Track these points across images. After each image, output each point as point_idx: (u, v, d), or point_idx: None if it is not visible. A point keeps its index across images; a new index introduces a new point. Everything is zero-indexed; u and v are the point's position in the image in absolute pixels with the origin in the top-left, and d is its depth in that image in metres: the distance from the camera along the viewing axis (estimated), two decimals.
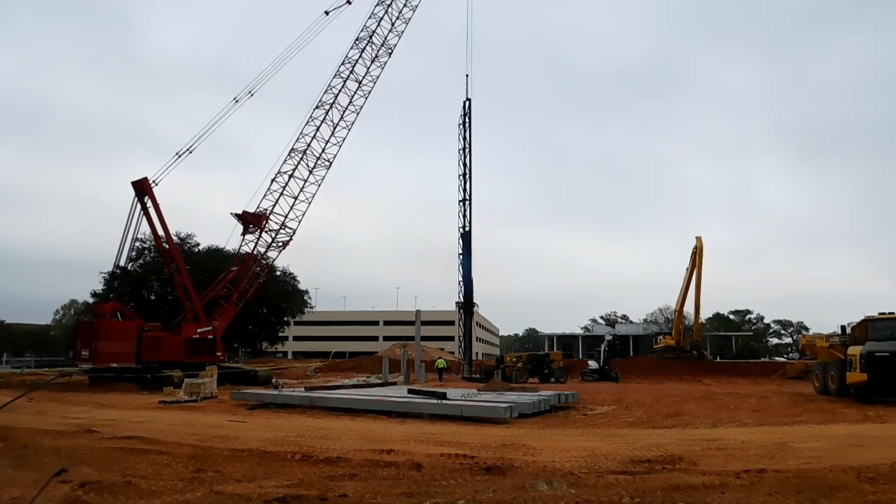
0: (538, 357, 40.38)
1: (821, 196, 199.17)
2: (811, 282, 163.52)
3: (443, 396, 18.02)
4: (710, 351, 74.56)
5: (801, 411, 18.65)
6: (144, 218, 31.97)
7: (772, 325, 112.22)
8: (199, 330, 31.94)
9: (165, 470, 8.69)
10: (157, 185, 32.04)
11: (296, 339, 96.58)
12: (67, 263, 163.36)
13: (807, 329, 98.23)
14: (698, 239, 55.02)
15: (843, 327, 24.60)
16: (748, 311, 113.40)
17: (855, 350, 21.71)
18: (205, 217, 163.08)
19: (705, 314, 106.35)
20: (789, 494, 7.27)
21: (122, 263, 33.24)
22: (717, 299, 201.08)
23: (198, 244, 50.79)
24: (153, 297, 48.06)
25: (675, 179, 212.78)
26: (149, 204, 31.83)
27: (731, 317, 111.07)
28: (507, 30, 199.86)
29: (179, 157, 33.09)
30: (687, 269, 55.81)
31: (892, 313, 22.54)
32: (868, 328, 22.37)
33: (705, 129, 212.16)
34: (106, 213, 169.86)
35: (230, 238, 51.15)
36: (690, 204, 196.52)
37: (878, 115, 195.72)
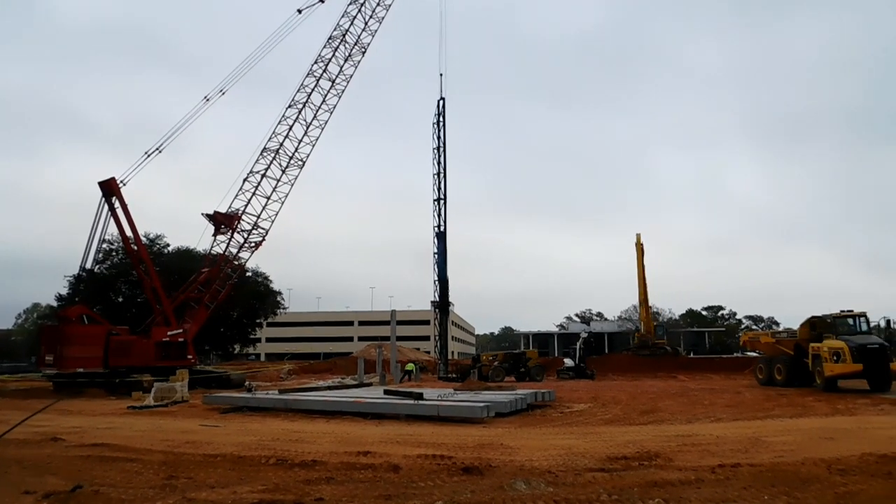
0: (514, 356, 40.43)
1: (791, 186, 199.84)
2: (782, 275, 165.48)
3: (419, 397, 17.94)
4: (684, 347, 75.76)
5: (773, 405, 18.99)
6: (112, 219, 31.33)
7: (744, 320, 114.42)
8: (169, 333, 31.33)
9: (135, 478, 8.46)
10: (124, 185, 31.41)
11: (269, 340, 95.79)
12: (30, 265, 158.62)
13: (777, 324, 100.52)
14: (637, 236, 56.85)
15: (813, 324, 26.32)
16: (721, 307, 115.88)
17: (838, 343, 23.46)
18: (159, 213, 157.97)
19: (678, 310, 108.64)
20: (763, 488, 7.36)
21: (88, 266, 32.48)
22: (690, 295, 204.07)
23: (167, 245, 49.89)
24: (121, 300, 47.04)
25: (645, 168, 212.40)
26: (117, 205, 31.15)
27: (704, 313, 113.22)
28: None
29: (148, 156, 32.47)
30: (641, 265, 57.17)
31: (852, 311, 25.04)
32: (835, 324, 24.80)
33: (673, 111, 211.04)
34: (48, 209, 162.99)
35: (201, 239, 50.24)
36: (663, 194, 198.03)
37: (852, 99, 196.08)
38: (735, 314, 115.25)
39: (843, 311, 25.33)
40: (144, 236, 41.28)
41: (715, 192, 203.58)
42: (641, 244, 56.67)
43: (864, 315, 24.92)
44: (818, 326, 25.62)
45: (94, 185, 31.20)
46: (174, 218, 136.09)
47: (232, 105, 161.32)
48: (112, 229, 32.46)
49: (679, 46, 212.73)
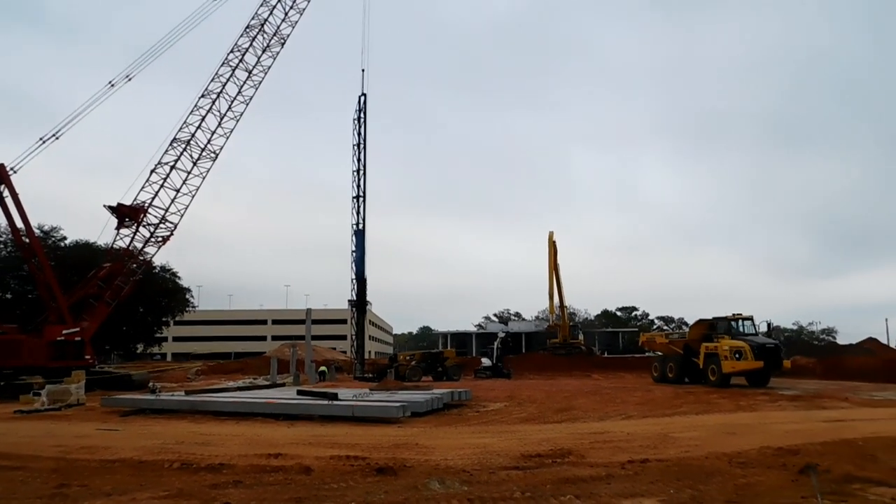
0: (432, 355, 40.46)
1: (703, 188, 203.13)
2: (694, 276, 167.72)
3: (334, 397, 17.61)
4: (599, 347, 78.39)
5: (681, 403, 19.91)
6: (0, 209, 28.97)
7: (656, 321, 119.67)
8: (64, 332, 29.23)
9: (21, 487, 7.82)
10: (15, 172, 28.99)
11: (176, 339, 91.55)
12: None
13: (686, 324, 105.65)
14: (550, 234, 58.32)
15: (712, 325, 28.72)
16: (635, 308, 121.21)
17: (739, 343, 25.95)
18: (56, 204, 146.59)
19: (594, 310, 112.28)
20: (670, 482, 7.66)
21: None
22: (606, 294, 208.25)
23: (64, 238, 46.77)
24: (10, 297, 43.75)
25: (563, 165, 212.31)
26: (5, 193, 28.81)
27: (619, 313, 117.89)
28: None
29: (44, 142, 30.16)
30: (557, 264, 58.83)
31: (741, 314, 28.02)
32: (730, 326, 27.62)
33: (590, 108, 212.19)
34: None
35: (103, 232, 47.34)
36: (579, 193, 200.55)
37: (765, 103, 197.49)
38: (648, 315, 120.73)
39: (734, 315, 28.19)
40: (38, 228, 38.56)
41: (629, 191, 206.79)
42: (554, 242, 58.15)
43: (751, 318, 28.02)
44: (713, 328, 28.12)
45: None
46: (72, 209, 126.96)
47: (141, 90, 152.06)
48: (0, 220, 30.01)
49: (598, 40, 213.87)
